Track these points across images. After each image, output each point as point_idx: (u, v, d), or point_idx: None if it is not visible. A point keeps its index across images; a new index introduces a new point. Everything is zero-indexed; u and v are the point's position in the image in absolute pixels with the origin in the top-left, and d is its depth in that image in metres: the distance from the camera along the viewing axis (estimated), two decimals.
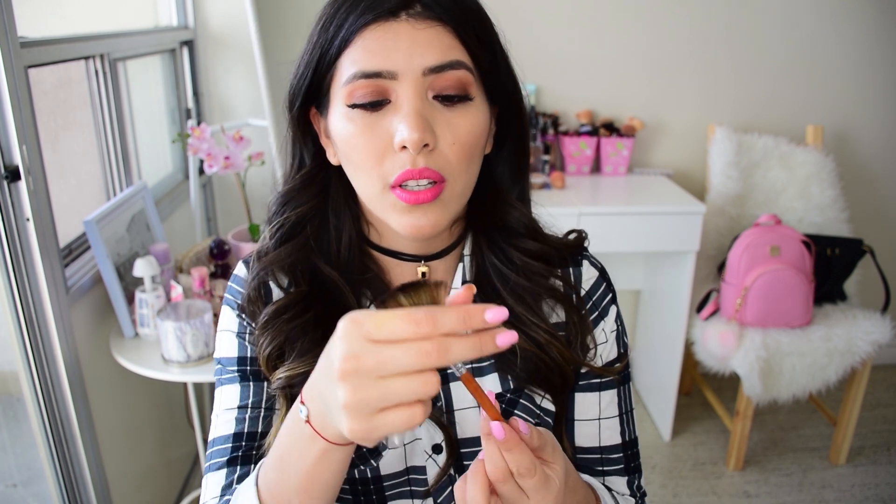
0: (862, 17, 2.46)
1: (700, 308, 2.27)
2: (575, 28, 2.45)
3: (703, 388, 2.54)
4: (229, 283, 0.76)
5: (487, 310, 0.44)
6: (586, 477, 0.71)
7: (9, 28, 1.21)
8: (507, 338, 0.45)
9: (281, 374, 0.67)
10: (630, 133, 2.45)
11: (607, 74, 2.50)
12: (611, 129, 2.48)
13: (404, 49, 0.59)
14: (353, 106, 0.61)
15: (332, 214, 0.73)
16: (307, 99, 0.67)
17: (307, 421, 0.53)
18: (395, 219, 0.64)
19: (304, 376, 0.64)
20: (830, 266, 2.22)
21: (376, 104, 0.61)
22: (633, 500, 0.77)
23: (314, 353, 0.65)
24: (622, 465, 0.78)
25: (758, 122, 2.54)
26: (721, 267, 2.26)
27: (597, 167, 2.55)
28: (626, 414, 0.78)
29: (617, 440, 0.77)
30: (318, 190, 0.72)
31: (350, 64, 0.61)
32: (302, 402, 0.54)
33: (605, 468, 0.77)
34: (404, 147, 0.60)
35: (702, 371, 2.46)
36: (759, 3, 2.44)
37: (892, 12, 2.47)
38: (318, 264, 0.71)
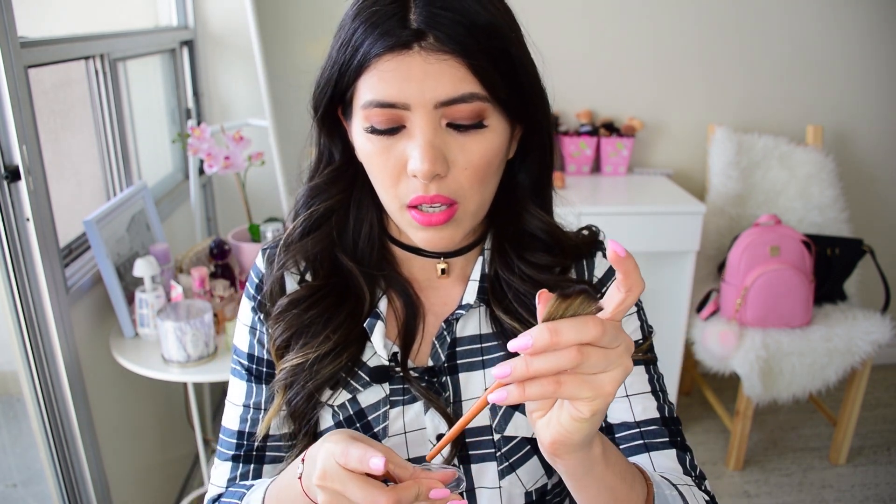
0: (862, 17, 2.46)
1: (700, 308, 2.27)
2: (575, 28, 2.45)
3: (703, 388, 2.55)
4: (249, 272, 0.80)
5: (434, 489, 0.55)
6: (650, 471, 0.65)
7: (9, 28, 1.21)
8: None
9: (285, 363, 0.72)
10: (630, 133, 2.45)
11: (607, 74, 2.50)
12: (611, 129, 2.48)
13: (416, 82, 0.60)
14: (370, 130, 0.64)
15: (356, 206, 0.76)
16: (331, 105, 0.69)
17: (299, 478, 0.60)
18: (413, 234, 0.68)
19: (302, 369, 0.71)
20: (830, 266, 2.22)
21: (392, 130, 0.63)
22: (689, 478, 0.69)
23: (312, 344, 0.71)
24: (667, 438, 0.72)
25: (758, 122, 2.54)
26: (721, 267, 2.26)
27: (597, 167, 2.55)
28: (661, 392, 0.75)
29: (654, 414, 0.73)
30: (346, 185, 0.74)
31: (366, 90, 0.62)
32: (302, 461, 0.61)
33: (647, 441, 0.71)
34: (416, 176, 0.62)
35: (702, 371, 2.46)
36: (759, 2, 2.44)
37: (892, 13, 2.47)
38: (338, 255, 0.75)
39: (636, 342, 0.76)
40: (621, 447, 0.72)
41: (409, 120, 0.62)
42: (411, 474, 0.55)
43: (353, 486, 0.54)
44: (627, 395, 0.73)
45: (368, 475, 0.55)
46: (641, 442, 0.71)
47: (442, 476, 0.57)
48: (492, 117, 0.64)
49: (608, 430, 0.73)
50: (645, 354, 0.75)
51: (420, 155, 0.61)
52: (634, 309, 0.78)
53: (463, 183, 0.64)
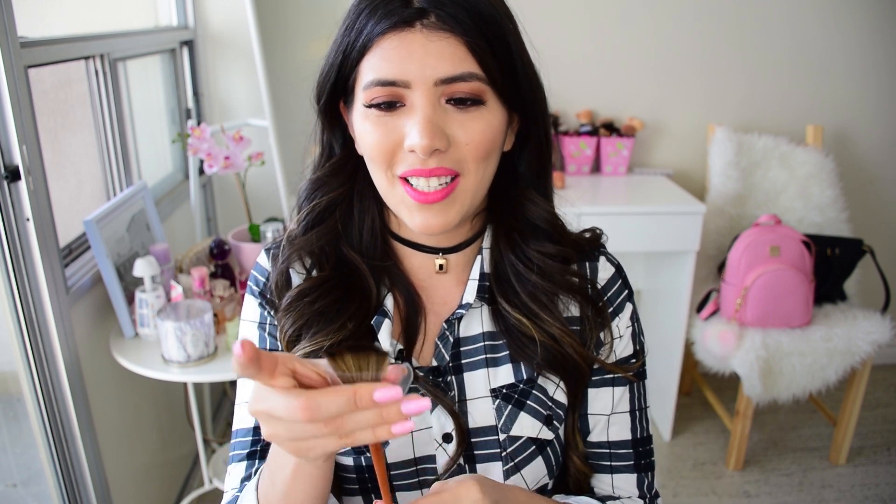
0: (862, 17, 2.46)
1: (700, 308, 2.27)
2: (575, 28, 2.45)
3: (703, 388, 2.55)
4: (252, 272, 0.79)
5: (378, 389, 0.47)
6: (570, 500, 0.74)
7: (9, 28, 1.21)
8: (408, 419, 0.49)
9: (298, 351, 0.71)
10: (630, 133, 2.45)
11: (607, 74, 2.50)
12: (611, 129, 2.48)
13: (417, 59, 0.62)
14: (370, 106, 0.65)
15: (358, 200, 0.76)
16: (334, 94, 0.70)
17: None
18: (407, 215, 0.68)
19: (316, 356, 0.69)
20: (830, 266, 2.22)
21: (391, 104, 0.64)
22: (641, 501, 0.77)
23: (326, 332, 0.70)
24: (632, 462, 0.78)
25: (758, 122, 2.54)
26: (721, 267, 2.26)
27: (597, 167, 2.55)
28: (638, 411, 0.79)
29: (626, 436, 0.78)
30: (347, 178, 0.75)
31: (369, 69, 0.64)
32: None
33: (613, 463, 0.78)
34: (414, 150, 0.63)
35: (702, 371, 2.46)
36: (759, 2, 2.44)
37: (892, 12, 2.47)
38: (343, 249, 0.75)
39: (626, 358, 0.78)
40: (590, 461, 0.79)
41: (409, 98, 0.63)
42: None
43: (273, 400, 0.49)
44: (608, 415, 0.77)
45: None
46: (608, 463, 0.78)
47: (390, 376, 0.51)
48: (490, 99, 0.65)
49: (588, 445, 0.78)
50: (630, 375, 0.78)
51: (419, 130, 0.62)
52: (629, 324, 0.79)
53: (465, 156, 0.65)
